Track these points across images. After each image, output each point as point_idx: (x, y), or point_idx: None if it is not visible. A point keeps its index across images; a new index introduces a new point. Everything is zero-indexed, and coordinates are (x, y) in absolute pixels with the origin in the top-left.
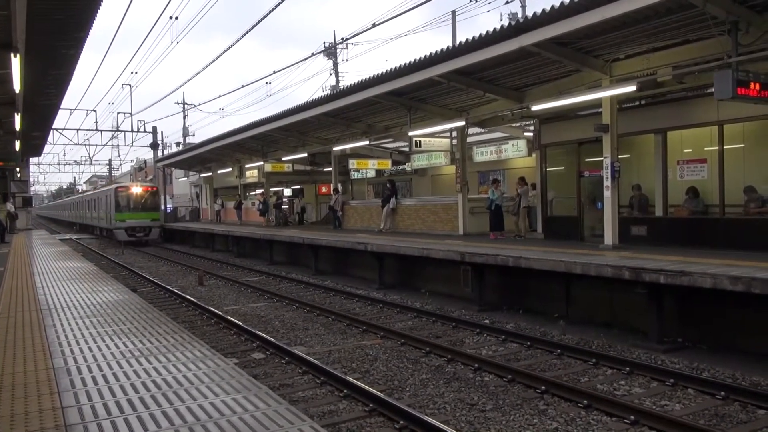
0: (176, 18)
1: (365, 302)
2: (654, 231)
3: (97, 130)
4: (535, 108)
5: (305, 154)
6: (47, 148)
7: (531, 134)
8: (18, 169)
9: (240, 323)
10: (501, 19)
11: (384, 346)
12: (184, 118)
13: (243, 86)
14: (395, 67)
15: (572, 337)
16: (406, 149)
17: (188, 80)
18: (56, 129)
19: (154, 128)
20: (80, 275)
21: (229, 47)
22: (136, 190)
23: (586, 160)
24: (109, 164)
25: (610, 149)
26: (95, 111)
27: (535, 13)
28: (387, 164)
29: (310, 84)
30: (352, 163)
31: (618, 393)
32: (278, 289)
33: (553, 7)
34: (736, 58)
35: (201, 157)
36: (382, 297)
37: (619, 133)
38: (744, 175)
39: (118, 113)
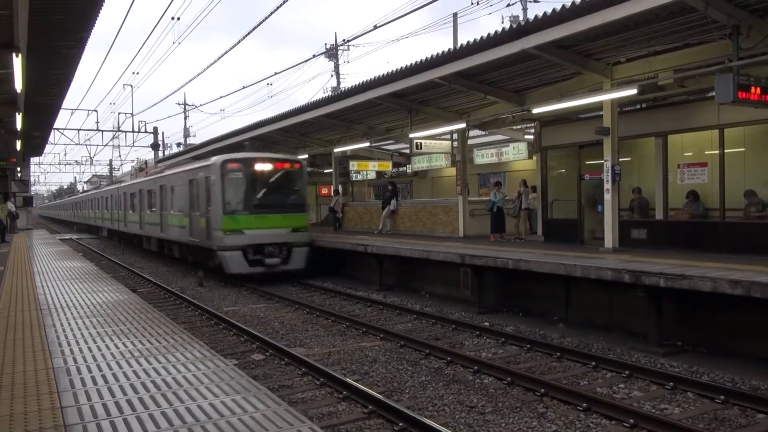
0: (178, 19)
1: (365, 304)
2: (654, 234)
3: (98, 130)
4: (535, 111)
5: (306, 156)
6: (48, 147)
7: (532, 137)
8: (19, 169)
9: (240, 324)
10: (502, 22)
11: (383, 347)
12: (185, 118)
13: (244, 87)
14: (396, 69)
15: (572, 340)
16: (407, 151)
17: (189, 81)
18: (57, 129)
19: (155, 129)
20: (80, 275)
21: (232, 47)
22: (264, 166)
23: (587, 162)
24: (110, 164)
25: (611, 152)
26: (96, 111)
27: (536, 16)
28: (387, 166)
29: (311, 85)
30: (353, 165)
31: (617, 396)
32: (278, 290)
33: (554, 10)
34: (737, 62)
35: (202, 158)
36: (381, 299)
37: (619, 136)
38: (744, 179)
39: (119, 113)
